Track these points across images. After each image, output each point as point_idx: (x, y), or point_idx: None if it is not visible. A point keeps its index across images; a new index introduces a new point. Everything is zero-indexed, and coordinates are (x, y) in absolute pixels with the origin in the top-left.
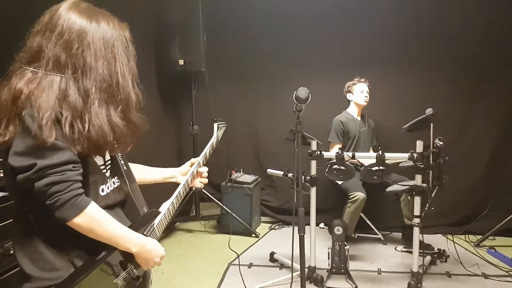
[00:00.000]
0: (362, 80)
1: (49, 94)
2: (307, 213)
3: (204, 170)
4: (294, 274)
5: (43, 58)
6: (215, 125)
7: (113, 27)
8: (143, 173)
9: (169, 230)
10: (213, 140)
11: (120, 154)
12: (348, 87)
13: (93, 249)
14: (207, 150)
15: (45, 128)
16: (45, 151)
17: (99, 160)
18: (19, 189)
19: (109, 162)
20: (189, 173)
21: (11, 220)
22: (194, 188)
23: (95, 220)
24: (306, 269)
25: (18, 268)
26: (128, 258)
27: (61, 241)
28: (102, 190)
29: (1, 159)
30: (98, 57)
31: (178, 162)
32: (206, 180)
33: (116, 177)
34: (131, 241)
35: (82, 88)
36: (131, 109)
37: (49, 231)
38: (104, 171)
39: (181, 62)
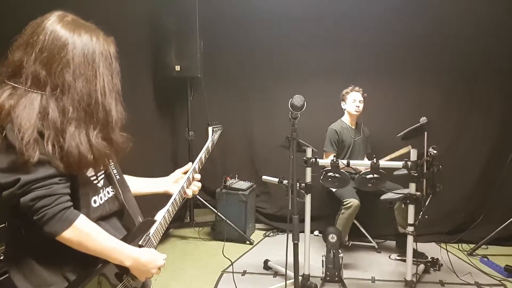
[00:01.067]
0: (356, 89)
1: (30, 112)
2: (302, 221)
3: (197, 177)
4: (288, 282)
5: (23, 74)
6: (210, 128)
7: (97, 42)
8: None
9: (163, 236)
10: (208, 144)
11: (112, 163)
12: (342, 95)
13: (87, 262)
14: (202, 154)
15: (27, 146)
16: (29, 166)
17: (89, 171)
18: (8, 206)
19: (102, 172)
20: (185, 178)
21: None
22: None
23: (84, 233)
24: (300, 277)
25: (7, 276)
26: (124, 269)
27: (54, 256)
28: (95, 202)
29: None
30: (76, 75)
31: (174, 168)
32: (196, 189)
33: (110, 187)
34: (123, 255)
35: (61, 107)
36: (112, 128)
37: (41, 246)
38: (95, 182)
39: (177, 68)
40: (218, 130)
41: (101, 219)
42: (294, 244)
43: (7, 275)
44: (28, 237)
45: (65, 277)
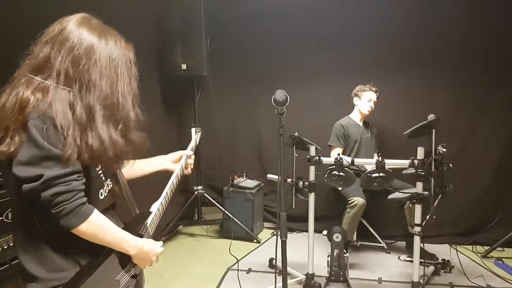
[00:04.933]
0: (373, 88)
1: (65, 108)
2: (304, 220)
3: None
4: (292, 280)
5: (51, 70)
6: (193, 129)
7: (120, 47)
8: (137, 167)
9: (171, 233)
10: (192, 144)
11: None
12: (357, 91)
13: (98, 250)
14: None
15: (68, 144)
16: (51, 162)
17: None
18: (24, 197)
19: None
20: (182, 160)
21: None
22: (196, 192)
23: (98, 226)
24: (303, 276)
25: (15, 262)
26: (128, 256)
27: (67, 244)
28: (101, 194)
29: None
30: (102, 75)
31: None
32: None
33: (109, 179)
34: (129, 244)
35: (87, 104)
36: (131, 128)
37: (55, 235)
38: (101, 175)
39: (183, 66)
40: (199, 131)
41: (104, 211)
42: (282, 241)
43: (17, 261)
44: (42, 227)
45: (77, 262)
